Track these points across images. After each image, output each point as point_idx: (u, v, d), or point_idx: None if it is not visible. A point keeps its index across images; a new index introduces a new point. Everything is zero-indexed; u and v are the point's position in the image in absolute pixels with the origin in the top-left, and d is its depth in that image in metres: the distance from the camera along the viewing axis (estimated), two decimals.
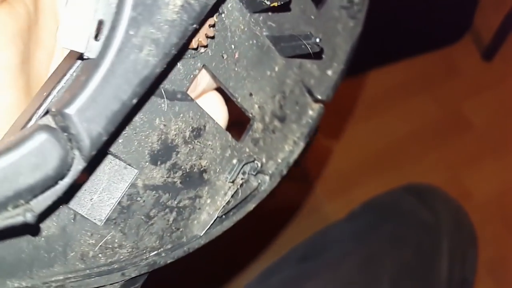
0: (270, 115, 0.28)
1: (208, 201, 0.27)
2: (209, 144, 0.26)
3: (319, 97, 0.30)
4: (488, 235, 1.20)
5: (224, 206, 0.27)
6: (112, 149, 0.22)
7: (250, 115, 0.27)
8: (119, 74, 0.19)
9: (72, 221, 0.23)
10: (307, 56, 0.27)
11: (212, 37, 0.25)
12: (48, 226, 0.22)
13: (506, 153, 1.35)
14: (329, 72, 0.30)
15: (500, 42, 1.39)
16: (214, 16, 0.24)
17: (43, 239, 0.22)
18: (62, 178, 0.19)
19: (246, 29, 0.26)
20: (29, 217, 0.18)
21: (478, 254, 0.81)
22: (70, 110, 0.18)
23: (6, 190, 0.17)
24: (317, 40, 0.25)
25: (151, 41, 0.19)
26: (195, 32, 0.22)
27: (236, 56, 0.26)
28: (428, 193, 0.83)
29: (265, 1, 0.24)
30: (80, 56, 0.20)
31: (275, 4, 0.24)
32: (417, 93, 1.37)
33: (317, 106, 0.30)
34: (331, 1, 0.30)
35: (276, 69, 0.28)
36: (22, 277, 0.22)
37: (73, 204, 0.23)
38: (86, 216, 0.23)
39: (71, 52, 0.20)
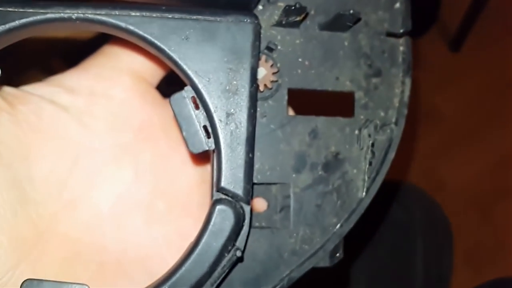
0: (364, 79, 0.33)
1: (355, 171, 0.32)
2: (328, 135, 0.32)
3: (401, 31, 0.34)
4: (464, 223, 1.23)
5: (368, 167, 0.33)
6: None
7: (348, 91, 0.33)
8: (233, 147, 0.28)
9: (272, 234, 0.31)
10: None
11: (276, 72, 0.32)
12: (262, 247, 0.31)
13: (478, 141, 1.37)
14: (397, 5, 0.34)
15: (466, 33, 1.42)
16: (271, 56, 0.32)
17: (264, 255, 0.31)
18: (244, 220, 0.28)
19: (302, 39, 0.32)
20: (239, 253, 0.28)
21: (453, 248, 0.83)
22: (223, 184, 0.28)
23: (221, 241, 0.27)
24: (352, 11, 0.30)
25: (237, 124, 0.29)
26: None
27: (307, 63, 0.32)
28: (400, 190, 0.83)
29: (297, 18, 0.31)
30: (207, 151, 0.30)
31: (301, 17, 0.31)
32: None
33: (403, 40, 0.34)
34: None
35: (346, 43, 0.33)
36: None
37: (265, 224, 0.33)
38: (279, 227, 0.32)
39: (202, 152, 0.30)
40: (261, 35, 0.31)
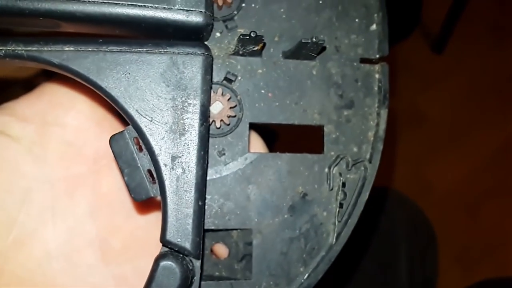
0: (334, 111, 0.30)
1: (324, 214, 0.29)
2: (295, 174, 0.29)
3: (377, 56, 0.30)
4: (453, 224, 1.25)
5: (339, 210, 0.29)
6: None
7: (316, 125, 0.30)
8: (180, 194, 0.25)
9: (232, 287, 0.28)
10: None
11: (235, 106, 0.28)
12: None
13: (462, 142, 1.38)
14: (373, 27, 0.30)
15: (448, 35, 1.42)
16: (230, 88, 0.29)
17: None
18: (193, 276, 0.25)
19: (265, 69, 0.29)
20: None
21: (438, 252, 0.82)
22: (168, 236, 0.25)
23: None
24: (314, 39, 0.27)
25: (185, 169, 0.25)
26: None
27: (270, 95, 0.29)
28: (383, 196, 0.81)
29: (255, 48, 0.28)
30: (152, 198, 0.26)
31: (259, 47, 0.28)
32: None
33: (379, 67, 0.30)
34: None
35: (314, 72, 0.30)
36: None
37: (225, 274, 0.30)
38: (240, 278, 0.29)
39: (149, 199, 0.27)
40: (219, 65, 0.28)
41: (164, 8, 0.24)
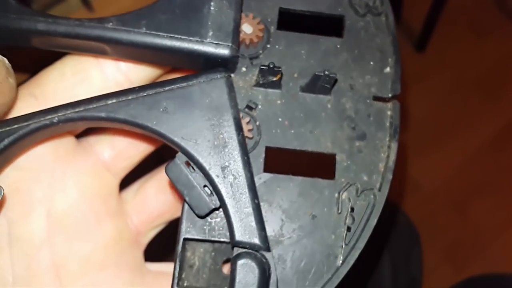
0: (347, 142, 0.32)
1: (333, 237, 0.30)
2: (306, 196, 0.31)
3: (390, 95, 0.32)
4: (442, 222, 1.27)
5: (347, 234, 0.30)
6: None
7: (329, 153, 0.32)
8: (237, 197, 0.28)
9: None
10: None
11: (252, 129, 0.31)
12: None
13: (447, 140, 1.39)
14: (387, 69, 0.33)
15: (430, 32, 1.43)
16: (250, 114, 0.32)
17: None
18: (269, 267, 0.27)
19: (283, 100, 0.32)
20: None
21: (422, 249, 0.83)
22: (237, 237, 0.27)
23: None
24: (326, 72, 0.30)
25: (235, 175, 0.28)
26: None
27: (287, 123, 0.32)
28: None
29: (274, 78, 0.31)
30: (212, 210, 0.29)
31: (277, 78, 0.31)
32: None
33: (391, 105, 0.32)
34: (349, 20, 0.33)
35: (329, 106, 0.32)
36: None
37: None
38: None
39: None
40: (243, 94, 0.32)
41: (197, 41, 0.29)
